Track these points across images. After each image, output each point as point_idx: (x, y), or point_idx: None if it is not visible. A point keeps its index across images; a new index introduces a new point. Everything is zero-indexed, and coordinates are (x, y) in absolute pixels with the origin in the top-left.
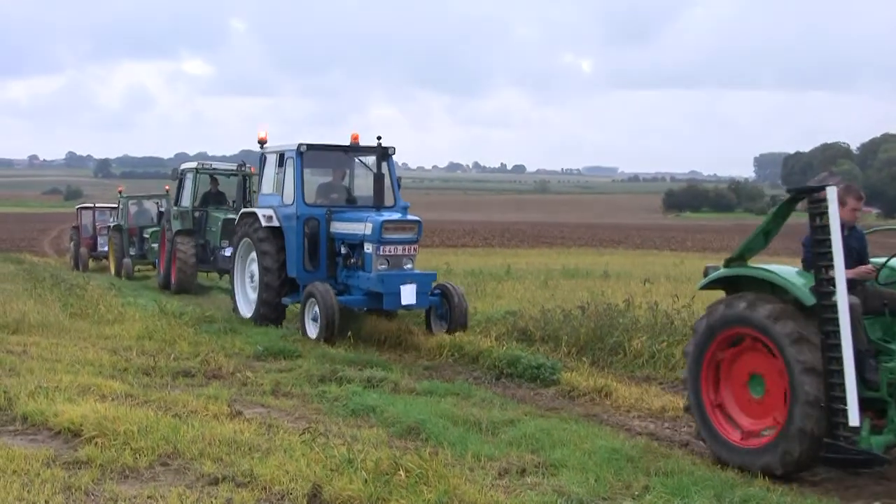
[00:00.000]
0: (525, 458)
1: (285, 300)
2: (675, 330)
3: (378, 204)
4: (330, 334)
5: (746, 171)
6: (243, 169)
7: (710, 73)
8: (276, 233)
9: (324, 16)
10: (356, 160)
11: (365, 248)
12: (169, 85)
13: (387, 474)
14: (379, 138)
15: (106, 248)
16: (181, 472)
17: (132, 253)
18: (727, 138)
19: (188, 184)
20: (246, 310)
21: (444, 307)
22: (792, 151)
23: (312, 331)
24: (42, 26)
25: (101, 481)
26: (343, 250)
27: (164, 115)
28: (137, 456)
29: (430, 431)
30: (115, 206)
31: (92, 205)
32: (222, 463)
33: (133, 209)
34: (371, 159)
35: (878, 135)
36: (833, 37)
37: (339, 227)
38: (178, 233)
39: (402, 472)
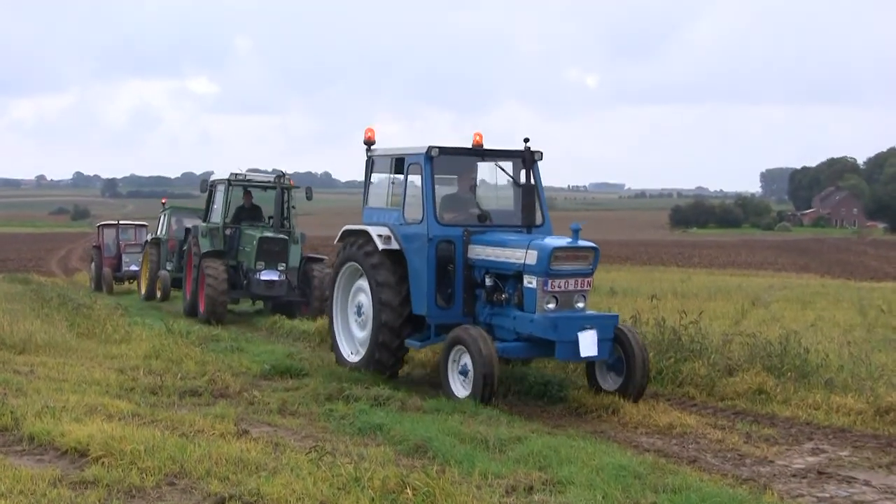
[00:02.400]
0: (532, 475)
1: (410, 342)
2: (682, 346)
3: (529, 223)
4: (489, 395)
5: (753, 187)
6: (283, 181)
7: (716, 87)
8: (395, 258)
9: (328, 34)
10: (496, 168)
11: (525, 281)
12: (174, 103)
13: (394, 493)
14: (526, 140)
15: (132, 268)
16: (188, 492)
17: (169, 268)
18: (733, 153)
19: (219, 197)
20: (350, 353)
21: (615, 355)
22: (798, 166)
23: (460, 388)
24: (46, 45)
25: (108, 501)
26: (488, 282)
27: (171, 133)
28: (144, 475)
29: (437, 449)
30: (139, 223)
31: (115, 222)
32: (229, 482)
33: (175, 223)
34: (511, 166)
35: (885, 149)
36: (838, 51)
37: (480, 253)
38: (207, 254)
39: (409, 491)
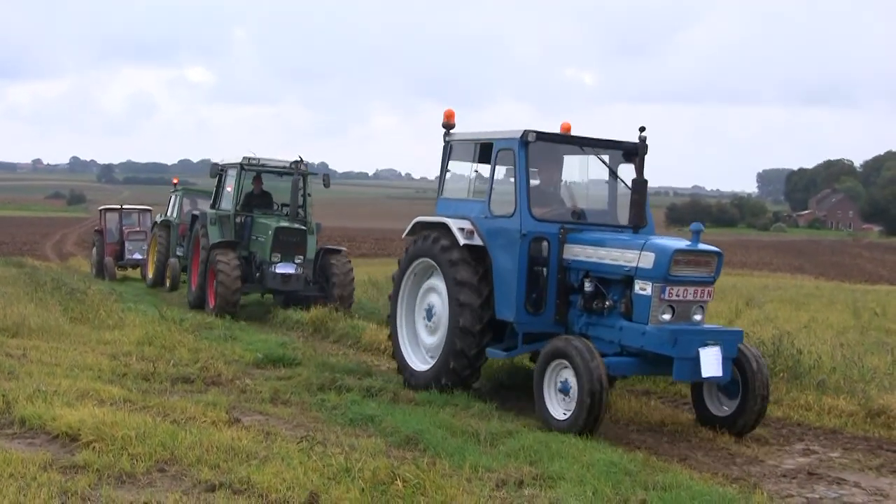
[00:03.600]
0: (523, 470)
1: (493, 352)
2: None
3: (637, 223)
4: (594, 419)
5: (749, 187)
6: (301, 166)
7: (713, 88)
8: (476, 255)
9: (326, 25)
10: (586, 160)
11: (637, 287)
12: (171, 91)
13: (384, 484)
14: (642, 129)
15: (136, 256)
16: (178, 479)
17: (179, 254)
18: (730, 153)
19: (230, 183)
20: (418, 361)
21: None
22: (795, 168)
23: (558, 409)
24: (43, 31)
25: (98, 486)
26: (587, 287)
27: (167, 121)
28: (135, 461)
29: (428, 442)
30: (143, 208)
31: (119, 206)
32: (220, 470)
33: (187, 205)
34: (607, 159)
35: (882, 152)
36: (838, 54)
37: (578, 254)
38: (219, 245)
39: (399, 482)
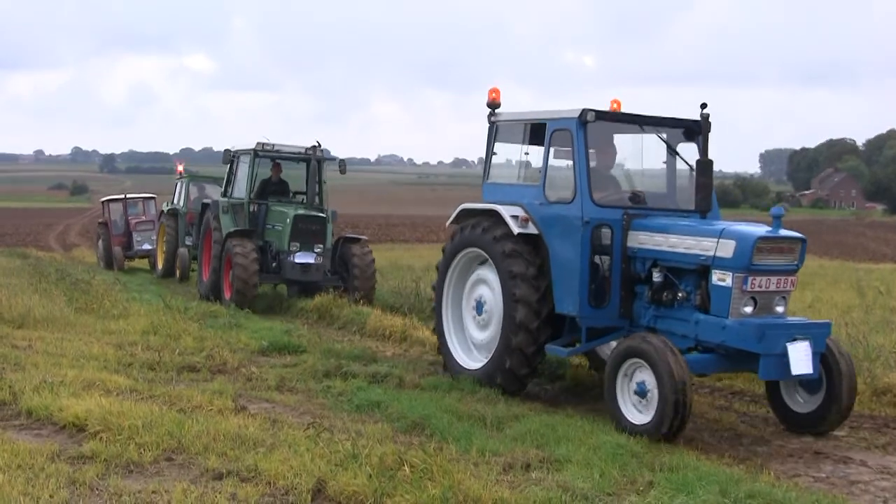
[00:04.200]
0: (530, 453)
1: (554, 349)
2: None
3: (705, 207)
4: (679, 425)
5: (752, 167)
6: (318, 152)
7: (713, 69)
8: (531, 244)
9: (324, 12)
10: (641, 140)
11: (715, 278)
12: (171, 80)
13: (391, 469)
14: (703, 106)
15: (145, 247)
16: (186, 467)
17: (188, 243)
18: (732, 134)
19: (243, 170)
20: (466, 358)
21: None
22: (797, 147)
23: (634, 412)
24: (42, 21)
25: (106, 476)
26: (655, 277)
27: (168, 110)
28: (142, 451)
29: (434, 427)
30: (147, 196)
31: (122, 196)
32: (227, 458)
33: (194, 192)
34: (670, 138)
35: (884, 131)
36: (837, 33)
37: (645, 241)
38: (235, 234)
39: (406, 468)
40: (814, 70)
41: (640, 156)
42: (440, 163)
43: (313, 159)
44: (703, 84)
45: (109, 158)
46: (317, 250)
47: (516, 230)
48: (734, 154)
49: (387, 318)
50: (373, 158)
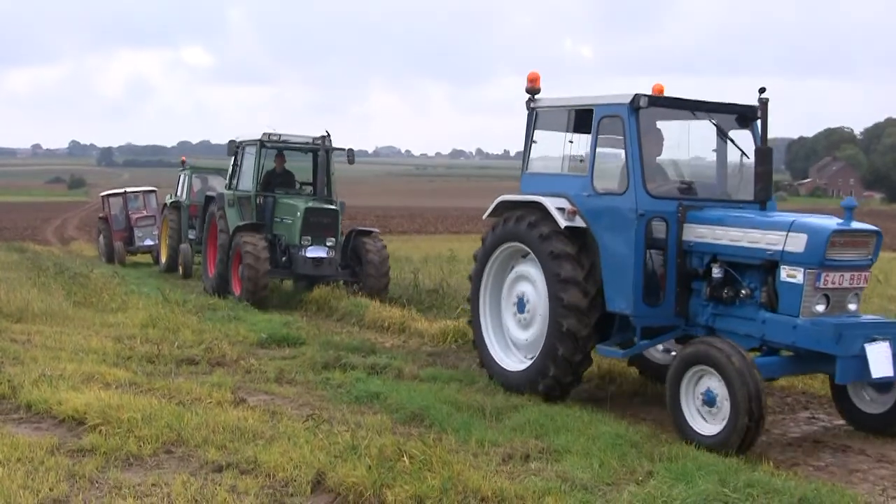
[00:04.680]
0: (529, 443)
1: (608, 350)
2: None
3: (765, 197)
4: (753, 437)
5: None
6: (327, 142)
7: (710, 59)
8: (578, 237)
9: (322, 3)
10: (686, 127)
11: (784, 274)
12: (168, 73)
13: (391, 460)
14: (762, 91)
15: (147, 243)
16: (185, 460)
17: (191, 237)
18: None
19: (249, 161)
20: (508, 360)
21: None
22: (795, 136)
23: (702, 422)
24: (39, 15)
25: (106, 469)
26: (715, 273)
27: (165, 103)
28: (141, 444)
29: (433, 418)
30: (148, 189)
31: (122, 191)
32: (226, 450)
33: (197, 185)
34: (722, 124)
35: (882, 119)
36: (834, 22)
37: (703, 235)
38: (244, 227)
39: (405, 459)
40: (811, 59)
41: (686, 144)
42: (438, 154)
43: (322, 149)
44: (701, 73)
45: (107, 152)
46: (329, 244)
47: (563, 223)
48: None
49: (385, 309)
50: (370, 150)
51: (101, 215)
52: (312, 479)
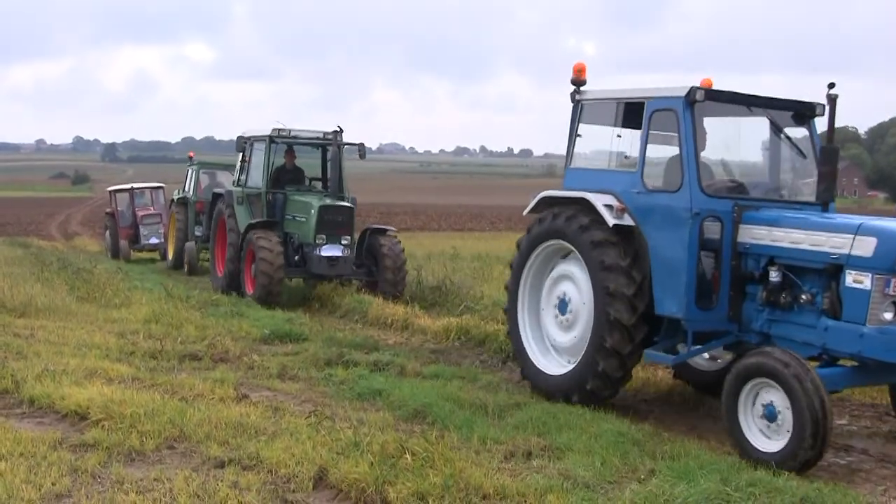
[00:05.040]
0: (531, 441)
1: (655, 355)
2: None
3: (827, 199)
4: (819, 451)
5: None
6: (339, 137)
7: (714, 56)
8: (624, 236)
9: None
10: (735, 124)
11: (849, 279)
12: (172, 69)
13: (393, 457)
14: (831, 86)
15: (152, 241)
16: (187, 456)
17: (197, 234)
18: None
19: (258, 157)
20: (546, 362)
21: None
22: None
23: (762, 438)
24: (42, 10)
25: (108, 464)
26: (773, 277)
27: (169, 99)
28: (144, 439)
29: (436, 415)
30: (155, 185)
31: (129, 186)
32: (228, 446)
33: (204, 180)
34: (780, 120)
35: (887, 119)
36: (838, 21)
37: (761, 236)
38: (257, 225)
39: (408, 456)
40: (817, 58)
41: (736, 141)
42: (441, 151)
43: (335, 145)
44: (704, 71)
45: (111, 147)
46: (344, 242)
47: (611, 221)
48: None
49: (388, 306)
50: (374, 147)
51: (108, 210)
52: (314, 475)
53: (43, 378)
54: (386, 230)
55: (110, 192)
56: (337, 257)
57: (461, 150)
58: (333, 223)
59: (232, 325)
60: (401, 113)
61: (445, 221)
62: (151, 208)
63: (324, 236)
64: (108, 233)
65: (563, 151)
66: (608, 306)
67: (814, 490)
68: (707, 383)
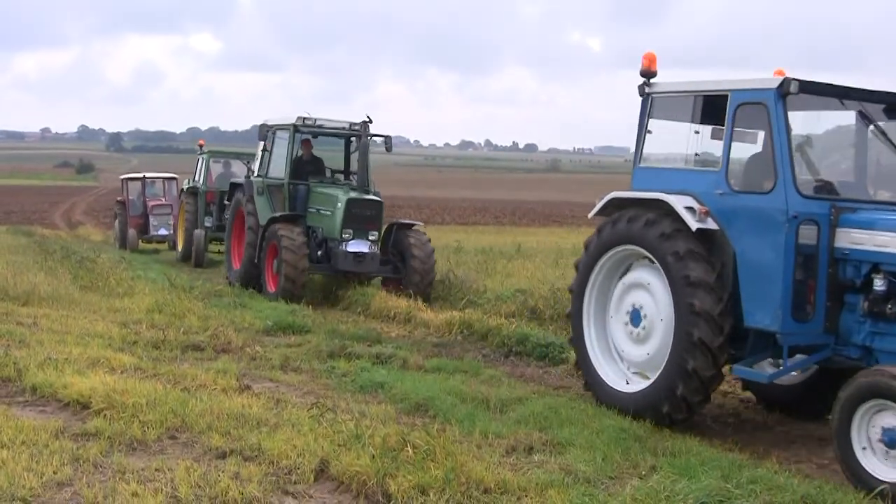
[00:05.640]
0: (533, 436)
1: (746, 371)
2: None
3: None
4: None
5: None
6: (367, 126)
7: (719, 53)
8: (707, 242)
9: None
10: (861, 117)
11: None
12: (177, 60)
13: (394, 450)
14: None
15: (161, 232)
16: (189, 446)
17: (207, 224)
18: None
19: (281, 147)
20: (614, 376)
21: None
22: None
23: (881, 466)
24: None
25: (110, 453)
26: (877, 285)
27: (174, 89)
28: (146, 429)
29: (438, 408)
30: (167, 176)
31: (141, 175)
32: (230, 437)
33: (215, 170)
34: (873, 114)
35: None
36: (843, 18)
37: (861, 241)
38: (280, 219)
39: (409, 449)
40: (819, 54)
41: (819, 136)
42: (447, 145)
43: (363, 136)
44: (707, 68)
45: (116, 137)
46: (371, 238)
47: (695, 226)
48: None
49: (391, 299)
50: (379, 140)
51: (119, 198)
52: (316, 467)
53: (45, 367)
54: (413, 224)
55: (123, 179)
56: (364, 253)
57: (466, 144)
58: (361, 217)
59: (235, 315)
60: (406, 106)
61: (449, 215)
62: (163, 199)
63: (350, 231)
64: (117, 221)
65: (569, 146)
66: (692, 326)
67: (815, 488)
68: (779, 399)
